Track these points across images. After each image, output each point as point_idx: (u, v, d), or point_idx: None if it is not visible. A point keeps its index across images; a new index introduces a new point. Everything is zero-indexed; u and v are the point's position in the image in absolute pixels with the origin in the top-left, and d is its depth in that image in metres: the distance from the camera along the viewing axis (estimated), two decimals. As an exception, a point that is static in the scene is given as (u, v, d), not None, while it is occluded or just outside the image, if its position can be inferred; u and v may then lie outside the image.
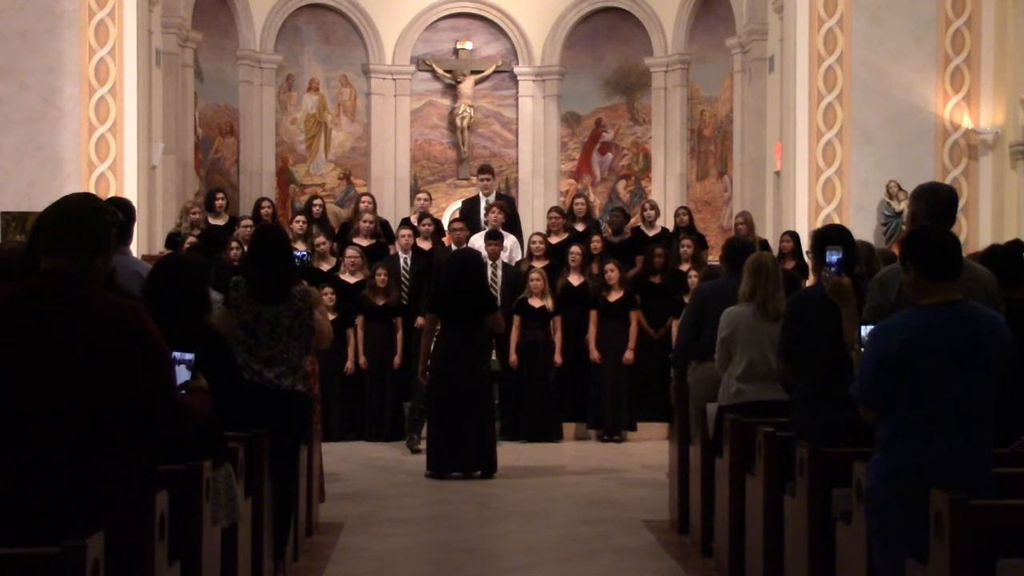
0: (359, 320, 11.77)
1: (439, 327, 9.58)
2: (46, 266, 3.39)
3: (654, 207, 13.80)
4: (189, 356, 3.91)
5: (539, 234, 12.75)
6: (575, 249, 12.14)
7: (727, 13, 16.06)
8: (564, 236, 12.83)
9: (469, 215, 13.05)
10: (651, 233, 13.25)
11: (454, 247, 12.20)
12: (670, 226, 13.58)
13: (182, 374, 3.84)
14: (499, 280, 11.79)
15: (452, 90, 17.85)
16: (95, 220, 3.44)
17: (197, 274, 4.98)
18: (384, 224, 13.35)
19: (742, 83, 15.71)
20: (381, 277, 11.73)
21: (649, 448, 10.99)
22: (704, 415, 6.88)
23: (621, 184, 17.81)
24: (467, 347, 9.51)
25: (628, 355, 11.78)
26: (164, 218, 14.01)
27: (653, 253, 12.27)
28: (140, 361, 3.39)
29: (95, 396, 3.34)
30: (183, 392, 3.77)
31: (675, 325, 11.35)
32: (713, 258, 11.69)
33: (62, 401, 3.32)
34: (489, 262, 11.53)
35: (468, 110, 17.66)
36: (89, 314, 3.36)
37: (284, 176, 17.40)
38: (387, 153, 17.68)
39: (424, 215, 13.23)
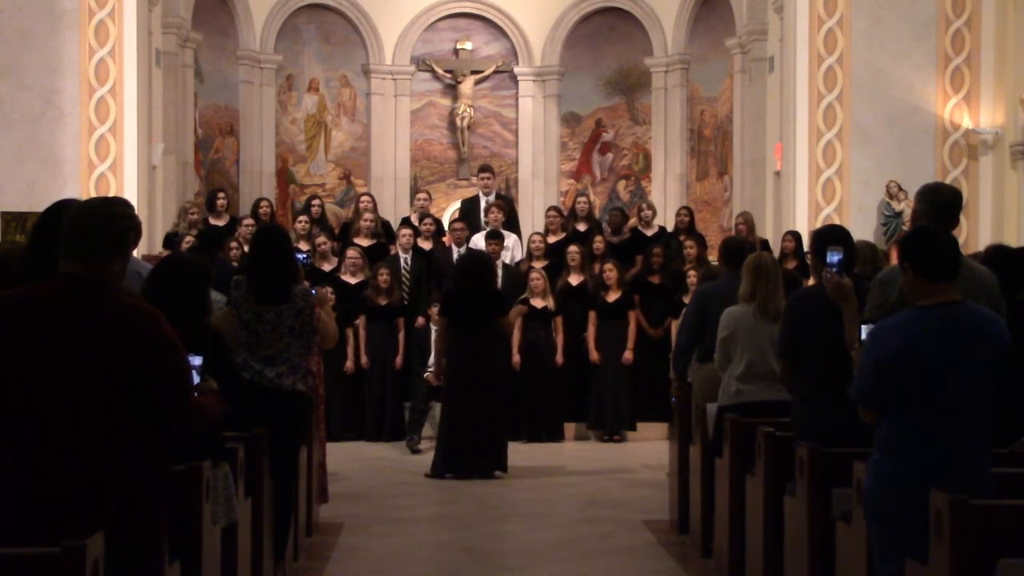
0: (361, 320, 11.77)
1: (449, 328, 9.59)
2: (65, 269, 3.43)
3: (651, 207, 13.81)
4: (198, 360, 3.93)
5: (539, 234, 12.75)
6: (574, 248, 12.14)
7: (727, 13, 16.06)
8: (562, 236, 12.84)
9: (469, 215, 13.05)
10: (649, 233, 13.25)
11: (454, 247, 12.21)
12: (670, 226, 13.57)
13: (192, 377, 3.86)
14: (499, 280, 11.77)
15: (452, 90, 17.86)
16: (115, 225, 3.48)
17: (198, 275, 4.98)
18: (385, 224, 13.34)
19: (742, 83, 15.71)
20: (383, 277, 11.72)
21: (649, 448, 10.99)
22: (704, 415, 6.89)
23: (621, 184, 17.82)
24: (480, 348, 9.51)
25: (627, 355, 11.79)
26: (164, 218, 14.01)
27: (651, 253, 12.27)
28: (158, 364, 3.43)
29: (114, 399, 3.37)
30: (195, 394, 3.79)
31: (674, 325, 11.36)
32: (713, 258, 11.69)
33: (81, 404, 3.34)
34: (490, 263, 11.53)
35: (468, 110, 17.67)
36: (108, 317, 3.39)
37: (284, 176, 17.41)
38: (387, 153, 17.68)
39: (425, 215, 13.23)
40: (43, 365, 3.33)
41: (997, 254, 5.80)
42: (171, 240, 12.22)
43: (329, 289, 11.05)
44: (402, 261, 12.23)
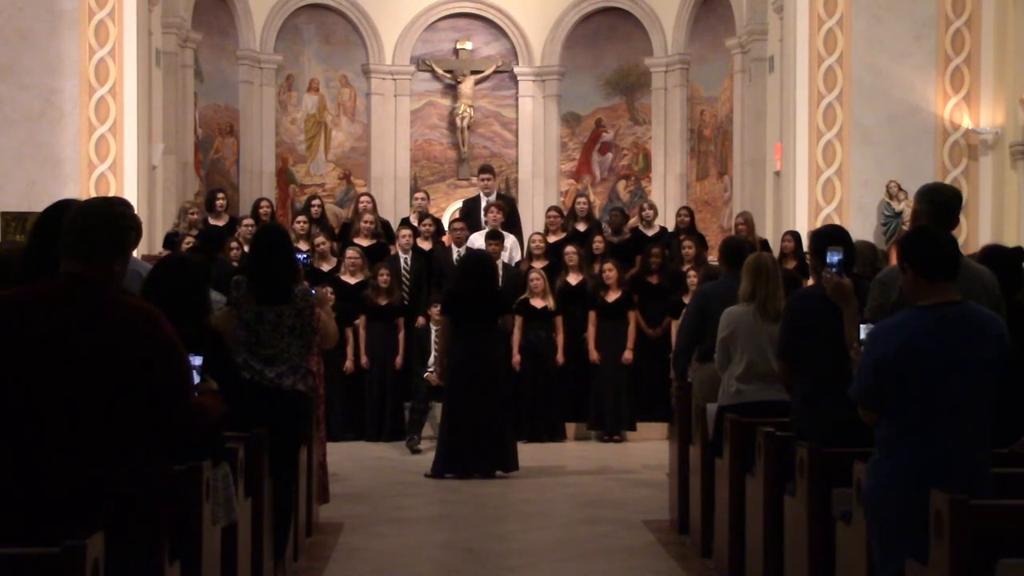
0: (361, 320, 11.78)
1: (450, 328, 9.59)
2: (65, 269, 3.44)
3: (652, 207, 13.82)
4: (198, 360, 3.93)
5: (539, 234, 12.75)
6: (571, 248, 12.15)
7: (727, 13, 16.06)
8: (562, 236, 12.84)
9: (470, 215, 13.05)
10: (649, 233, 13.26)
11: (455, 247, 12.21)
12: (670, 226, 13.58)
13: (192, 377, 3.86)
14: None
15: (452, 90, 17.86)
16: (115, 225, 3.49)
17: (197, 275, 4.97)
18: (385, 224, 13.35)
19: (742, 83, 15.71)
20: (384, 277, 11.73)
21: (649, 448, 11.00)
22: (704, 415, 6.89)
23: (621, 184, 17.81)
24: (481, 348, 9.52)
25: (627, 355, 11.79)
26: (164, 218, 14.01)
27: (650, 253, 12.28)
28: (158, 364, 3.43)
29: (114, 399, 3.37)
30: (195, 394, 3.79)
31: (674, 325, 11.36)
32: (713, 258, 11.69)
33: (81, 404, 3.35)
34: (491, 262, 11.52)
35: (468, 110, 17.67)
36: (108, 317, 3.40)
37: (284, 176, 17.41)
38: (387, 153, 17.68)
39: (424, 215, 13.23)
40: (43, 365, 3.33)
41: (993, 253, 5.79)
42: (171, 240, 12.22)
43: (329, 289, 11.05)
44: (402, 261, 12.24)
